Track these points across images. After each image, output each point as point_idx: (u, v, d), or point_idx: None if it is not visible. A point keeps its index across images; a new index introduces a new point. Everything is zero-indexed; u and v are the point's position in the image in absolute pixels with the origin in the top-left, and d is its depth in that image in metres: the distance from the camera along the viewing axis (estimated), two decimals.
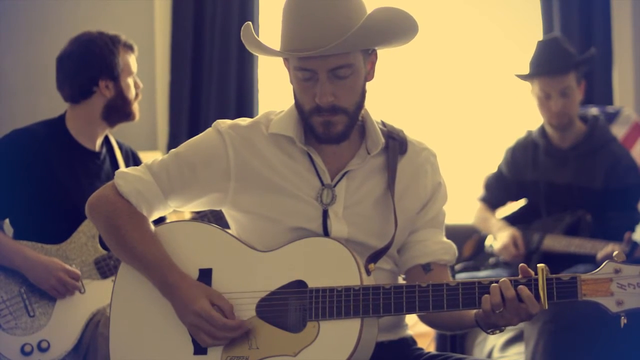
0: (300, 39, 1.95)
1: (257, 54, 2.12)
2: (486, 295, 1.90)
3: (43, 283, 2.80)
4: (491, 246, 3.73)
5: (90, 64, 2.96)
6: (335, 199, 2.08)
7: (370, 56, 2.04)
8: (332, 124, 2.01)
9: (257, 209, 2.09)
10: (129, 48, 3.04)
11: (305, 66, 1.97)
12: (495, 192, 3.84)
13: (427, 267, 2.15)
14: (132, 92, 3.02)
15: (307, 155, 2.10)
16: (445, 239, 2.20)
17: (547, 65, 3.55)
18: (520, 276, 1.92)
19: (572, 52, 3.61)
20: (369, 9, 1.97)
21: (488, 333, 2.00)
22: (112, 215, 2.10)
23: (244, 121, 2.15)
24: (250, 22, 2.02)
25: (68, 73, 2.99)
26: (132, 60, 3.04)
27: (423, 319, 2.17)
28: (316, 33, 1.93)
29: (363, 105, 2.05)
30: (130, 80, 3.02)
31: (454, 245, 2.20)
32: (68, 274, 2.81)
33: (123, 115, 3.03)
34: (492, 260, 3.72)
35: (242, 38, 2.04)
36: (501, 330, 1.97)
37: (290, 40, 1.97)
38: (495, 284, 1.90)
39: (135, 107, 3.05)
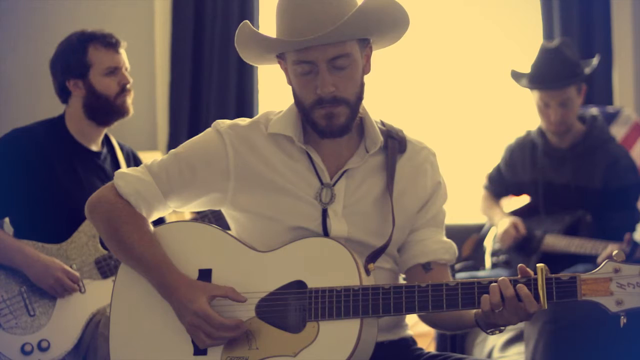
0: (296, 31, 1.96)
1: (252, 63, 2.13)
2: (485, 295, 1.90)
3: (41, 282, 2.81)
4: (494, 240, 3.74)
5: (57, 66, 2.99)
6: (334, 198, 2.08)
7: (366, 49, 2.05)
8: (334, 115, 2.01)
9: (257, 208, 2.09)
10: (108, 44, 2.97)
11: (305, 58, 1.98)
12: (496, 186, 3.87)
13: (427, 267, 2.15)
14: (109, 89, 2.97)
15: (306, 155, 2.10)
16: (445, 238, 2.20)
17: (547, 78, 3.54)
18: (519, 276, 1.92)
19: (574, 61, 3.57)
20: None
21: (488, 333, 1.99)
22: (111, 216, 2.10)
23: (243, 121, 2.15)
24: (247, 21, 2.03)
25: (51, 76, 3.02)
26: (111, 55, 2.98)
27: (423, 318, 2.17)
28: (312, 24, 1.94)
29: (362, 97, 2.06)
30: (105, 77, 2.96)
31: (454, 245, 2.20)
32: (67, 275, 2.81)
33: (109, 113, 2.99)
34: (493, 259, 3.73)
35: (236, 44, 2.05)
36: (500, 331, 1.97)
37: (286, 34, 1.99)
38: (495, 284, 1.90)
39: (124, 101, 2.99)
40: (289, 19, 1.99)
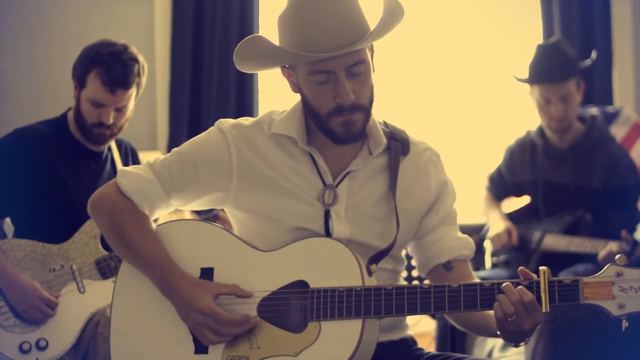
0: (315, 41, 1.94)
1: (247, 71, 2.10)
2: (497, 303, 1.89)
3: (17, 306, 2.79)
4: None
5: (77, 60, 2.97)
6: (337, 199, 2.08)
7: (371, 50, 2.05)
8: (352, 122, 2.01)
9: (259, 208, 2.09)
10: (107, 82, 2.88)
11: (324, 68, 1.97)
12: (497, 187, 3.87)
13: (448, 266, 2.15)
14: (89, 115, 2.91)
15: (309, 156, 2.10)
16: (461, 234, 2.20)
17: (548, 72, 3.55)
18: (522, 279, 1.91)
19: (572, 56, 3.60)
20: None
21: (513, 346, 1.97)
22: (113, 214, 2.10)
23: (246, 121, 2.15)
24: (262, 35, 1.98)
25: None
26: (104, 93, 2.88)
27: (455, 322, 2.16)
28: (334, 33, 1.93)
29: (374, 100, 2.05)
30: (90, 104, 2.90)
31: (471, 240, 2.20)
32: (44, 302, 2.79)
33: (84, 132, 2.95)
34: (493, 259, 3.73)
35: (239, 55, 2.01)
36: (526, 342, 1.95)
37: (303, 45, 1.95)
38: (502, 294, 1.89)
39: (101, 134, 2.93)
40: (303, 30, 1.96)
